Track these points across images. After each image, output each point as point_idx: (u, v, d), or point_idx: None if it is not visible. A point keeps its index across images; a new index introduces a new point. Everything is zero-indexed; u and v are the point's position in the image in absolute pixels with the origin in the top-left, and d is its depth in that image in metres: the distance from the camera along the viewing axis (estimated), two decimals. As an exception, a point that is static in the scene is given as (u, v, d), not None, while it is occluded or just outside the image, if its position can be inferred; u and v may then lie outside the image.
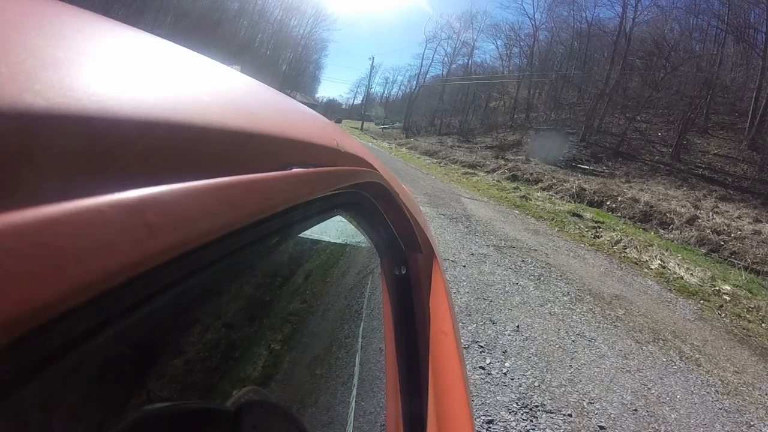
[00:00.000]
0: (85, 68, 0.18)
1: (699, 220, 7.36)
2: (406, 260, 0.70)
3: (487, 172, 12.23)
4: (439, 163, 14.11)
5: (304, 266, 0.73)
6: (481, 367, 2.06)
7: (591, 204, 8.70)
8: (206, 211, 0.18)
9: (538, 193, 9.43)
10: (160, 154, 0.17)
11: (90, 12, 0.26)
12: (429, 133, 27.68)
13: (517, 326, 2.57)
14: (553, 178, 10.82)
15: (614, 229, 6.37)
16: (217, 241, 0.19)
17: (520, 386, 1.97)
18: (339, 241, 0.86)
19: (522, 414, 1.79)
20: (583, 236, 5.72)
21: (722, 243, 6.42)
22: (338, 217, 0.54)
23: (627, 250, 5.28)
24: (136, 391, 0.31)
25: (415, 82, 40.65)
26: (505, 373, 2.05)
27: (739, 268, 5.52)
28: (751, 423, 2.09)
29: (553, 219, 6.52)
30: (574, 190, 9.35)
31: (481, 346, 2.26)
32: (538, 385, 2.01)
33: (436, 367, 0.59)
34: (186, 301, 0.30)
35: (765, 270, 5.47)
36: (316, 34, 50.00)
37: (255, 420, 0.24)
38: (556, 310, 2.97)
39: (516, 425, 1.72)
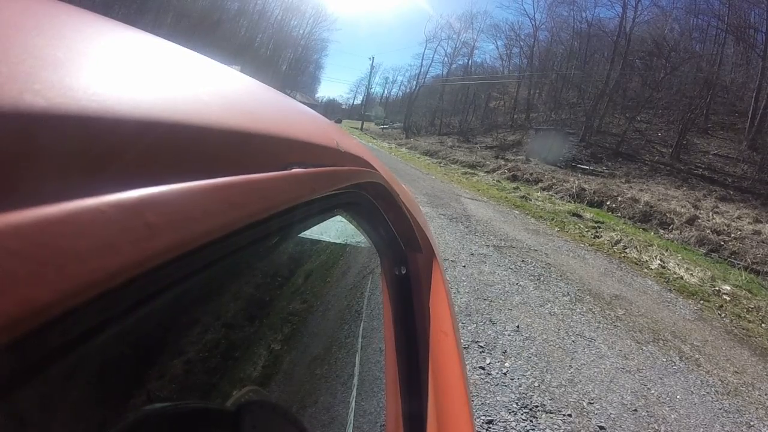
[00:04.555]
0: (85, 68, 0.18)
1: (699, 220, 7.36)
2: (406, 260, 0.70)
3: (487, 172, 12.23)
4: (439, 163, 14.11)
5: (304, 266, 0.73)
6: (480, 367, 2.06)
7: (591, 204, 8.70)
8: (206, 211, 0.18)
9: (538, 193, 9.43)
10: (160, 154, 0.17)
11: (90, 12, 0.26)
12: (429, 133, 27.67)
13: (517, 326, 2.57)
14: (553, 178, 10.81)
15: (614, 229, 6.37)
16: (217, 241, 0.19)
17: (520, 386, 1.97)
18: (339, 241, 0.86)
19: (522, 414, 1.79)
20: (583, 236, 5.72)
21: (722, 243, 6.42)
22: (338, 217, 0.54)
23: (627, 250, 5.28)
24: (136, 391, 0.31)
25: (415, 82, 40.67)
26: (504, 373, 2.05)
27: (739, 268, 5.52)
28: (751, 423, 2.09)
29: (553, 219, 6.52)
30: (574, 190, 9.35)
31: (481, 347, 2.26)
32: (538, 386, 2.01)
33: (436, 367, 0.59)
34: (186, 301, 0.30)
35: (765, 270, 5.47)
36: (316, 34, 50.08)
37: (255, 420, 0.24)
38: (555, 310, 2.97)
39: (516, 425, 1.72)
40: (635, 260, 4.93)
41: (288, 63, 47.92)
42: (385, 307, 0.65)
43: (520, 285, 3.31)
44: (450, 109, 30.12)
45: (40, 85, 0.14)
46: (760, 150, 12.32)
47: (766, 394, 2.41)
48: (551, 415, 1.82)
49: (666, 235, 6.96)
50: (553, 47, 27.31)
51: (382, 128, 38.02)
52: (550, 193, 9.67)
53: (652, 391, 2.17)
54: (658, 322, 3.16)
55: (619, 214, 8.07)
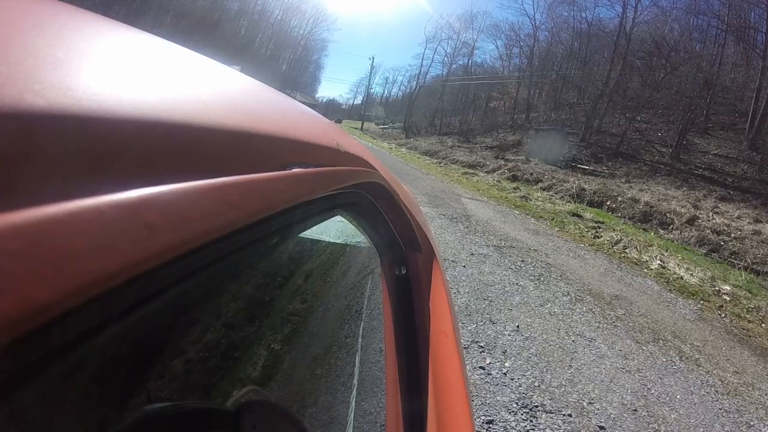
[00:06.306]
0: (85, 68, 0.18)
1: (699, 221, 7.35)
2: (406, 260, 0.70)
3: (487, 172, 12.23)
4: (439, 163, 14.10)
5: (304, 266, 0.73)
6: (481, 367, 2.06)
7: (591, 204, 8.70)
8: (206, 211, 0.18)
9: (538, 193, 9.42)
10: (160, 154, 0.17)
11: (90, 12, 0.26)
12: (429, 133, 27.67)
13: (517, 326, 2.57)
14: (553, 178, 10.81)
15: (614, 229, 6.37)
16: (217, 241, 0.19)
17: (520, 386, 1.97)
18: (339, 241, 0.86)
19: (522, 414, 1.79)
20: (583, 236, 5.72)
21: (722, 243, 6.41)
22: (338, 217, 0.54)
23: (627, 250, 5.28)
24: (136, 391, 0.31)
25: (415, 82, 40.70)
26: (504, 373, 2.05)
27: (739, 268, 5.52)
28: (751, 423, 2.09)
29: (553, 219, 6.52)
30: (574, 191, 9.35)
31: (481, 346, 2.26)
32: (538, 385, 2.01)
33: (436, 367, 0.59)
34: (186, 301, 0.30)
35: (765, 270, 5.47)
36: (316, 34, 50.17)
37: (255, 420, 0.24)
38: (555, 310, 2.97)
39: (516, 425, 1.72)
40: (635, 260, 4.93)
41: (288, 63, 48.00)
42: (385, 307, 0.65)
43: (520, 285, 3.31)
44: (450, 109, 30.14)
45: (40, 85, 0.14)
46: (760, 150, 12.32)
47: (766, 394, 2.41)
48: (551, 415, 1.82)
49: (666, 235, 6.96)
50: (553, 47, 27.32)
51: (382, 128, 38.01)
52: (550, 193, 9.67)
53: (652, 391, 2.17)
54: (658, 322, 3.16)
55: (619, 214, 8.07)
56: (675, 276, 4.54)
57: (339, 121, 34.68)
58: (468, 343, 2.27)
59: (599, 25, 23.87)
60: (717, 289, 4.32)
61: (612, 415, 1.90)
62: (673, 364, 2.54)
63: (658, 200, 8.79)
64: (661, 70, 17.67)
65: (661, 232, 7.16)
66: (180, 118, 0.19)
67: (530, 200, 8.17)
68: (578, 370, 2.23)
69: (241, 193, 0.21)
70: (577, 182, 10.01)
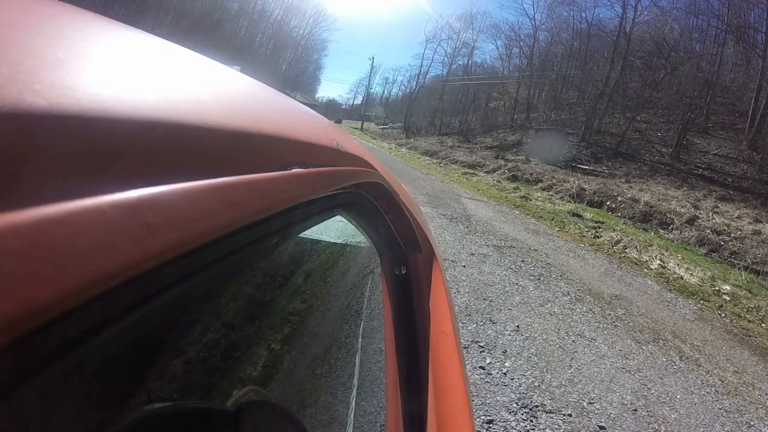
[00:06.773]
0: (85, 68, 0.18)
1: (699, 220, 7.35)
2: (406, 260, 0.70)
3: (487, 172, 12.22)
4: (439, 163, 14.10)
5: (304, 266, 0.73)
6: (481, 367, 2.06)
7: (591, 204, 8.70)
8: (206, 211, 0.18)
9: (538, 193, 9.42)
10: (160, 154, 0.17)
11: (90, 12, 0.26)
12: (429, 133, 27.68)
13: (517, 326, 2.57)
14: (553, 178, 10.81)
15: (614, 229, 6.37)
16: (217, 241, 0.19)
17: (520, 386, 1.97)
18: (339, 241, 0.86)
19: (522, 414, 1.79)
20: (583, 236, 5.72)
21: (722, 243, 6.41)
22: (338, 217, 0.54)
23: (627, 250, 5.28)
24: (136, 391, 0.31)
25: (415, 83, 40.71)
26: (505, 373, 2.05)
27: (739, 268, 5.51)
28: (751, 423, 2.09)
29: (553, 219, 6.52)
30: (574, 190, 9.35)
31: (481, 346, 2.26)
32: (538, 385, 2.01)
33: (436, 367, 0.59)
34: (186, 301, 0.30)
35: (765, 270, 5.47)
36: (316, 34, 50.16)
37: (255, 420, 0.24)
38: (556, 310, 2.97)
39: (516, 425, 1.72)
40: (635, 260, 4.93)
41: (288, 63, 47.97)
42: (385, 307, 0.65)
43: (520, 285, 3.31)
44: (450, 109, 30.16)
45: (40, 85, 0.14)
46: (760, 150, 12.32)
47: (766, 394, 2.40)
48: (551, 415, 1.82)
49: (666, 235, 6.96)
50: (553, 47, 27.31)
51: (382, 128, 38.01)
52: (550, 193, 9.67)
53: (652, 391, 2.17)
54: (658, 321, 3.16)
55: (619, 214, 8.07)
56: (675, 276, 4.54)
57: (339, 121, 34.65)
58: (468, 342, 2.27)
59: (599, 25, 23.88)
60: (717, 288, 4.32)
61: (612, 415, 1.90)
62: (673, 363, 2.54)
63: (658, 200, 8.79)
64: (661, 70, 17.67)
65: (661, 232, 7.16)
66: (180, 118, 0.19)
67: (530, 200, 8.17)
68: (578, 369, 2.23)
69: (241, 193, 0.21)
70: (576, 182, 10.01)
